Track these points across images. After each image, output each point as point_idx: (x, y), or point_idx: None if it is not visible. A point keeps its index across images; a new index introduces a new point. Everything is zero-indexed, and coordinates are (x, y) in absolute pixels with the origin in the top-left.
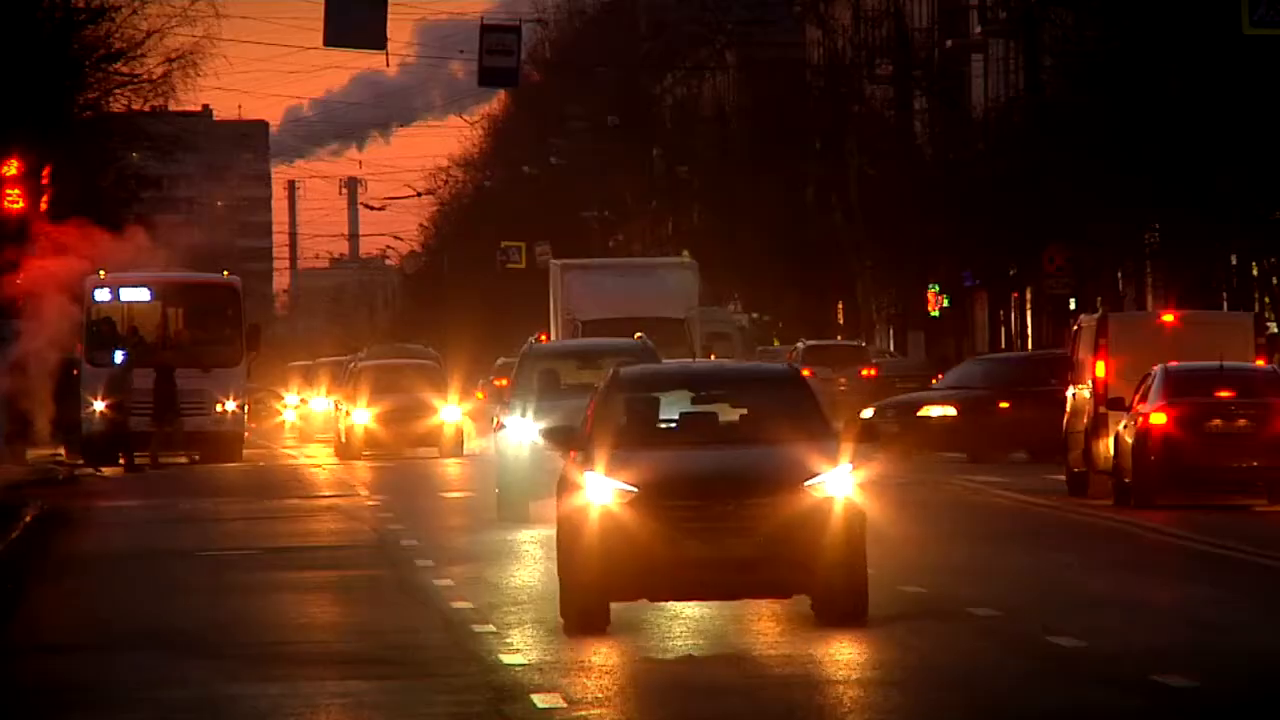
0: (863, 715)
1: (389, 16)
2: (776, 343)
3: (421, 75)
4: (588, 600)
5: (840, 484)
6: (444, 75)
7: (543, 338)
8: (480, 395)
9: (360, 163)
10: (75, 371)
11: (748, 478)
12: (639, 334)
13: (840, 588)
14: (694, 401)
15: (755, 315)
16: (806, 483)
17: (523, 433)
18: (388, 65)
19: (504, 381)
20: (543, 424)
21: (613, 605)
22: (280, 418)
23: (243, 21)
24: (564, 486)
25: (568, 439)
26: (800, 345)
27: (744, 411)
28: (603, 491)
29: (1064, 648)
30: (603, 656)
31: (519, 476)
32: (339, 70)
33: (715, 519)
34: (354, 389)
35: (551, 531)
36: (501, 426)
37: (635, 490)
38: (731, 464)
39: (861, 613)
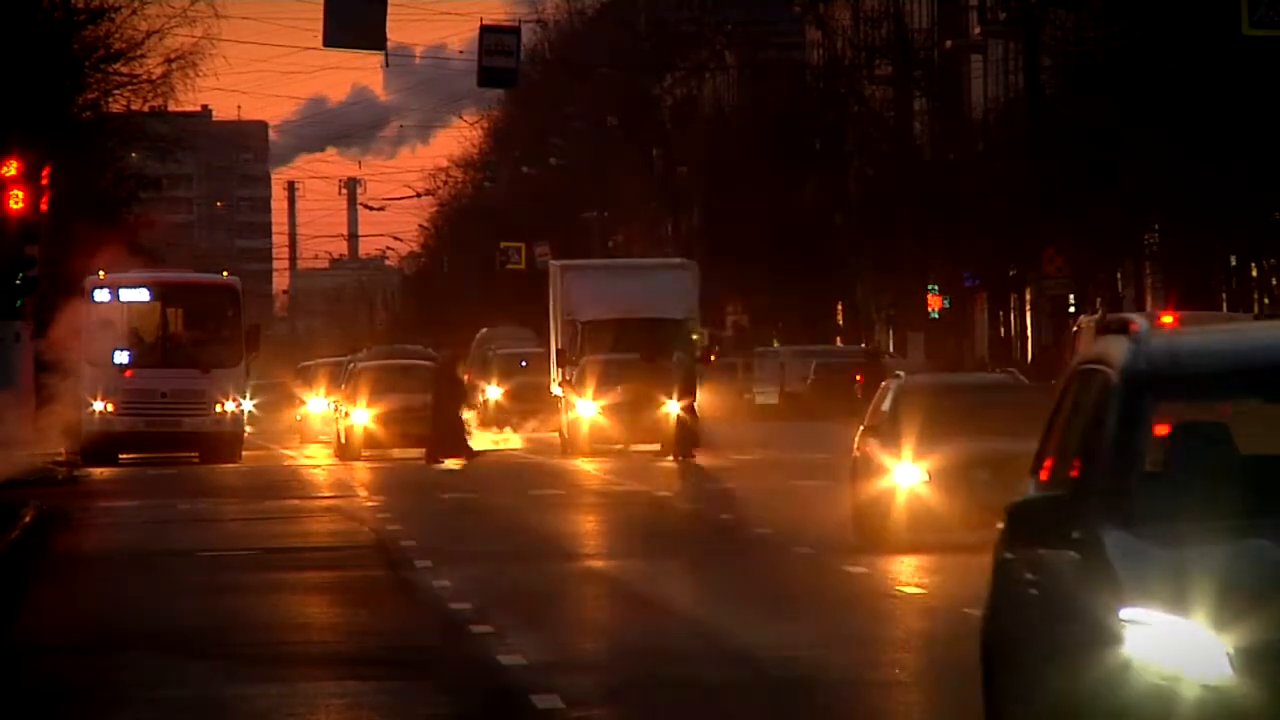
0: (856, 718)
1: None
2: (776, 343)
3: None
4: None
5: None
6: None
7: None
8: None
9: (360, 163)
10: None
11: None
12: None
13: None
14: None
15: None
16: None
17: None
18: (387, 65)
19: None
20: None
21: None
22: (297, 418)
23: (242, 22)
24: None
25: None
26: None
27: None
28: None
29: None
30: (603, 657)
31: None
32: (338, 70)
33: None
34: (353, 390)
35: None
36: None
37: None
38: None
39: None
